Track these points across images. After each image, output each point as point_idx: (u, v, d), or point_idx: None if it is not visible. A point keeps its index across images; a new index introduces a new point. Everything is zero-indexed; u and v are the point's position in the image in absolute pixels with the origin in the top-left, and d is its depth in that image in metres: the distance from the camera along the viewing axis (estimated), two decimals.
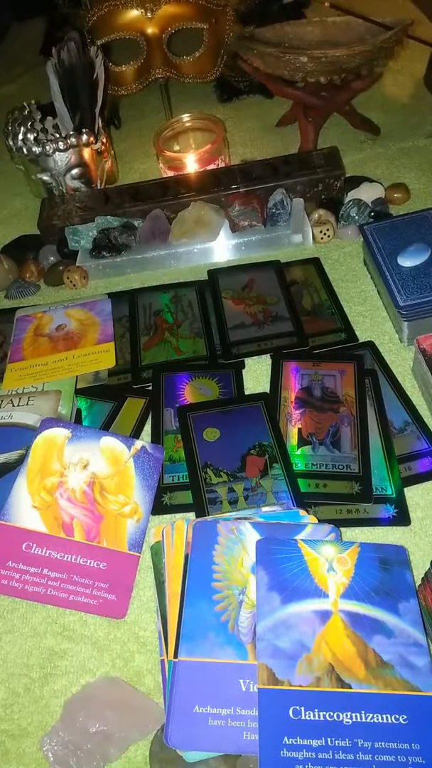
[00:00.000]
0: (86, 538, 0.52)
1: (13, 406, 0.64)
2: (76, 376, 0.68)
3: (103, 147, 0.90)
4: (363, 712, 0.41)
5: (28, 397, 0.65)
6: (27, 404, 0.64)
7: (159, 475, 0.58)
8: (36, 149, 0.85)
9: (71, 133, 0.85)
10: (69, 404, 0.64)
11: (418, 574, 0.48)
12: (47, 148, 0.84)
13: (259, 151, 0.98)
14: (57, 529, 0.53)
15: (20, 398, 0.65)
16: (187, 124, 0.95)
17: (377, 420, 0.60)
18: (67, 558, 0.51)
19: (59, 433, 0.57)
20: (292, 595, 0.46)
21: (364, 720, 0.41)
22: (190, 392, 0.65)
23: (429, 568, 0.46)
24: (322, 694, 0.42)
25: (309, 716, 0.41)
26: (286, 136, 1.00)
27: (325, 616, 0.45)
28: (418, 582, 0.48)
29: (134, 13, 0.96)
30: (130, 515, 0.54)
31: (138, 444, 0.57)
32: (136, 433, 0.63)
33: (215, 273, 0.79)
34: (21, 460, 0.58)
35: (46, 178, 0.88)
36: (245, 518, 0.51)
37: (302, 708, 0.41)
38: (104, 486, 0.54)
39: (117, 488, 0.54)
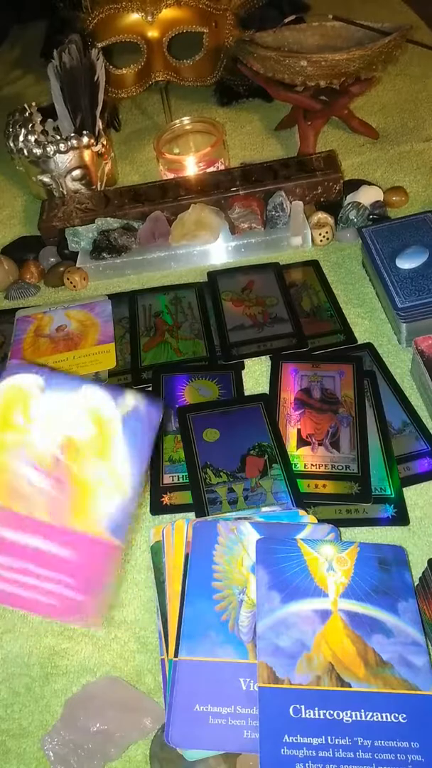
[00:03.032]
0: (50, 517, 0.38)
1: None
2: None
3: (103, 149, 0.90)
4: (363, 710, 0.41)
5: None
6: None
7: (153, 442, 0.44)
8: (36, 151, 0.85)
9: (72, 135, 0.85)
10: None
11: (417, 573, 0.48)
12: (48, 149, 0.85)
13: (258, 154, 0.98)
14: (10, 501, 0.38)
15: None
16: (187, 127, 0.95)
17: (376, 421, 0.61)
18: (23, 541, 0.37)
19: (30, 382, 0.42)
20: (292, 595, 0.46)
21: (363, 719, 0.41)
22: (189, 393, 0.66)
23: (426, 569, 0.46)
24: (322, 693, 0.42)
25: (309, 715, 0.41)
26: (285, 140, 1.00)
27: (324, 615, 0.45)
28: (417, 582, 0.48)
29: (135, 17, 0.97)
30: (113, 491, 0.40)
31: (130, 400, 0.43)
32: None
33: (215, 275, 0.79)
34: None
35: (46, 179, 0.88)
36: (245, 518, 0.52)
37: (302, 706, 0.41)
38: (81, 452, 0.41)
39: (99, 456, 0.41)
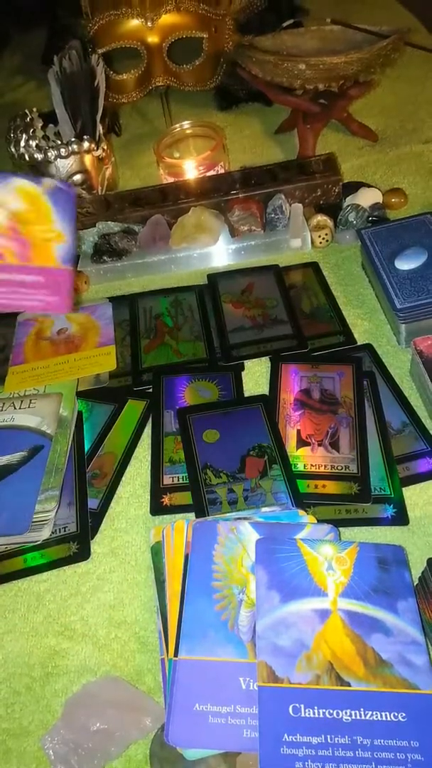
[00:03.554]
0: (19, 260, 0.54)
1: (15, 408, 0.64)
2: (77, 379, 0.68)
3: (104, 154, 0.91)
4: (362, 709, 0.41)
5: (30, 400, 0.65)
6: (29, 407, 0.64)
7: (75, 208, 0.58)
8: (38, 156, 0.86)
9: (72, 140, 0.86)
10: (70, 406, 0.64)
11: (417, 573, 0.48)
12: (49, 154, 0.85)
13: (258, 158, 0.99)
14: None
15: (22, 401, 0.65)
16: (187, 131, 0.96)
17: (375, 421, 0.61)
18: (5, 277, 0.53)
19: None
20: (292, 594, 0.46)
21: (363, 718, 0.41)
22: (189, 394, 0.66)
23: (425, 568, 0.46)
24: (322, 692, 0.42)
25: (309, 714, 0.41)
26: (285, 143, 1.01)
27: (324, 614, 0.45)
28: (416, 582, 0.48)
29: (135, 23, 0.97)
30: (57, 239, 0.54)
31: (48, 181, 0.57)
32: (136, 435, 0.64)
33: (215, 277, 0.80)
34: (23, 462, 0.59)
35: None
36: (245, 518, 0.52)
37: (302, 705, 0.41)
38: (25, 219, 0.55)
39: (38, 219, 0.55)
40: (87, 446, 0.63)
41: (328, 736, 0.40)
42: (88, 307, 0.77)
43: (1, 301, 0.53)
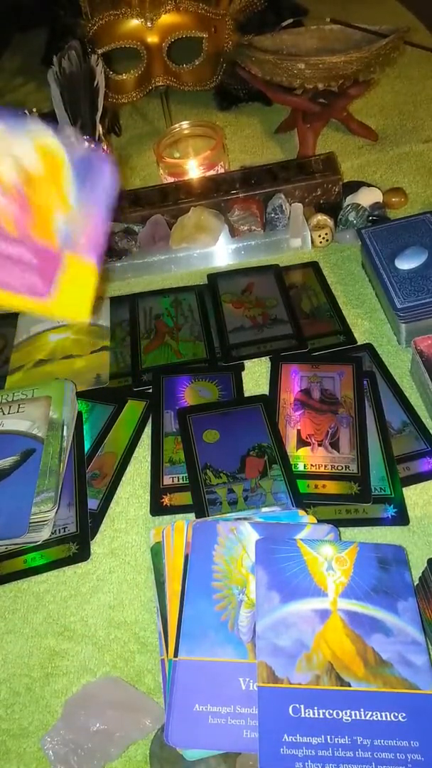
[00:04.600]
0: (17, 232, 0.47)
1: (4, 414, 0.64)
2: (68, 381, 0.67)
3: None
4: (362, 710, 0.41)
5: (19, 405, 0.65)
6: (18, 411, 0.64)
7: (109, 183, 0.50)
8: None
9: None
10: (59, 409, 0.63)
11: (417, 573, 0.48)
12: None
13: (258, 158, 0.99)
14: None
15: (10, 406, 0.65)
16: (187, 131, 0.96)
17: (376, 421, 0.61)
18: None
19: None
20: (292, 594, 0.46)
21: (363, 718, 0.41)
22: (189, 394, 0.66)
23: (426, 568, 0.46)
24: (322, 692, 0.42)
25: (309, 714, 0.41)
26: (285, 143, 1.01)
27: (324, 614, 0.45)
28: (416, 582, 0.48)
29: (134, 23, 0.97)
30: (64, 216, 0.47)
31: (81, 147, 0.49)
32: (136, 435, 0.64)
33: (215, 277, 0.79)
34: (16, 466, 0.59)
35: None
36: (245, 518, 0.52)
37: (302, 706, 0.41)
38: (37, 183, 0.47)
39: (53, 186, 0.47)
40: (87, 446, 0.63)
41: (328, 737, 0.40)
42: None
43: None
